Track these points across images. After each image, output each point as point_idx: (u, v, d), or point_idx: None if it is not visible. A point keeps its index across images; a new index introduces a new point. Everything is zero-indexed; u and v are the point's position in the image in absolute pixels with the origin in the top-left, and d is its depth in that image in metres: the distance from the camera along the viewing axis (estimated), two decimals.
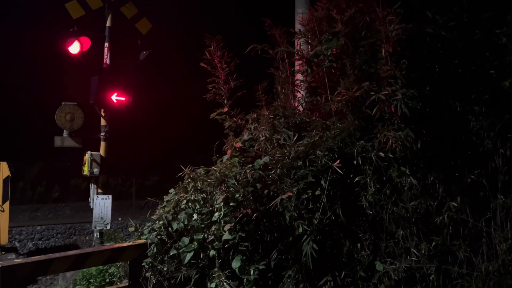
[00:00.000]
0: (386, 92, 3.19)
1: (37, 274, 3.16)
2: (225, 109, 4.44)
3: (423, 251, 3.16)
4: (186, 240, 3.35)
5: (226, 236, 3.19)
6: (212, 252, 3.26)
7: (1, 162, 7.02)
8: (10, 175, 7.09)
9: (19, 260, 2.96)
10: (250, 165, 3.52)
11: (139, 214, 10.72)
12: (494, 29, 3.43)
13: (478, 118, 3.37)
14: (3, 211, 6.97)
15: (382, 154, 3.20)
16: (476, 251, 3.20)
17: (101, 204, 6.51)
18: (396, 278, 3.14)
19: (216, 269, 3.22)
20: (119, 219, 11.24)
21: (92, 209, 6.68)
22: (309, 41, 4.15)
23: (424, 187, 3.30)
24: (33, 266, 2.96)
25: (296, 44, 4.47)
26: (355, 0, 3.79)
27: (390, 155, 3.19)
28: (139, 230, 3.76)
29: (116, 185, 15.88)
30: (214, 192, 3.55)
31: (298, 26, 4.67)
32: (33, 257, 3.05)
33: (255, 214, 3.33)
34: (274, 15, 4.55)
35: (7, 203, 7.05)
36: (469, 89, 3.45)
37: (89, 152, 6.73)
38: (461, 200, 3.28)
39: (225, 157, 4.00)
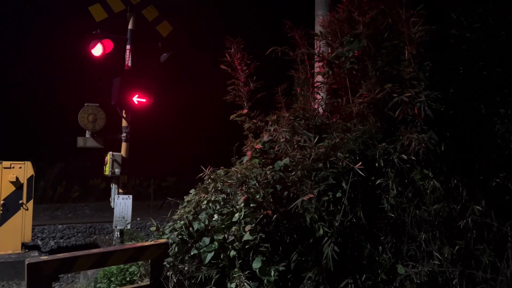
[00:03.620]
0: (409, 94, 3.16)
1: (62, 272, 3.22)
2: (245, 111, 4.45)
3: (446, 255, 3.12)
4: (206, 240, 3.37)
5: (247, 236, 3.21)
6: (232, 253, 3.28)
7: (26, 162, 7.18)
8: (34, 175, 7.25)
9: (45, 257, 3.02)
10: (270, 167, 3.53)
11: (157, 214, 10.84)
12: None
13: (504, 120, 3.32)
14: (27, 209, 7.13)
15: (405, 157, 3.17)
16: (501, 256, 3.14)
17: (122, 204, 6.60)
18: (418, 281, 3.11)
19: (236, 269, 3.23)
20: (138, 219, 11.38)
21: (113, 208, 6.78)
22: (330, 43, 4.14)
23: (448, 190, 3.26)
24: (58, 264, 3.02)
25: (315, 46, 4.47)
26: (377, 2, 3.77)
27: (413, 158, 3.16)
28: (160, 229, 3.81)
29: (134, 185, 16.08)
30: (235, 193, 3.57)
31: (318, 28, 4.67)
32: (58, 255, 3.11)
33: (275, 216, 3.34)
34: (293, 17, 4.56)
35: (31, 201, 7.21)
36: (494, 91, 3.39)
37: (110, 152, 6.83)
38: (485, 204, 3.23)
39: (245, 158, 4.02)
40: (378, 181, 3.25)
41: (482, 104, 3.38)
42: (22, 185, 7.10)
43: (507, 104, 3.35)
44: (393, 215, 3.22)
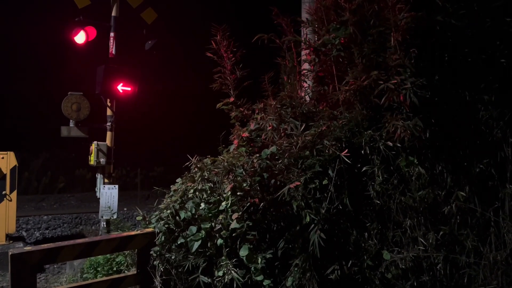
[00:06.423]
0: (395, 81, 3.16)
1: (47, 262, 3.18)
2: (231, 99, 4.42)
3: (430, 241, 3.16)
4: (193, 229, 3.36)
5: (234, 225, 3.20)
6: (219, 241, 3.28)
7: (9, 152, 7.06)
8: (17, 165, 7.13)
9: (29, 248, 2.98)
10: (257, 155, 3.51)
11: (144, 204, 10.76)
12: (505, 18, 3.39)
13: (488, 107, 3.35)
14: (11, 200, 7.03)
15: (390, 144, 3.19)
16: (484, 241, 3.20)
17: (108, 194, 6.55)
18: (403, 267, 3.15)
19: (223, 257, 3.23)
20: (125, 209, 11.31)
21: (99, 198, 6.73)
22: (317, 30, 4.11)
23: (432, 177, 3.29)
24: (43, 254, 2.98)
25: (302, 33, 4.44)
26: None
27: (398, 145, 3.18)
28: (147, 219, 3.78)
29: (121, 175, 15.94)
30: (222, 182, 3.55)
31: (305, 15, 4.63)
32: (42, 245, 3.07)
33: (262, 204, 3.34)
34: (280, 4, 4.51)
35: (14, 192, 7.10)
36: (478, 78, 3.41)
37: (95, 142, 6.75)
38: (469, 190, 3.27)
39: (232, 147, 4.00)
40: (364, 168, 3.27)
41: (466, 91, 3.41)
42: (5, 175, 6.98)
43: (491, 91, 3.38)
44: (378, 202, 3.25)
